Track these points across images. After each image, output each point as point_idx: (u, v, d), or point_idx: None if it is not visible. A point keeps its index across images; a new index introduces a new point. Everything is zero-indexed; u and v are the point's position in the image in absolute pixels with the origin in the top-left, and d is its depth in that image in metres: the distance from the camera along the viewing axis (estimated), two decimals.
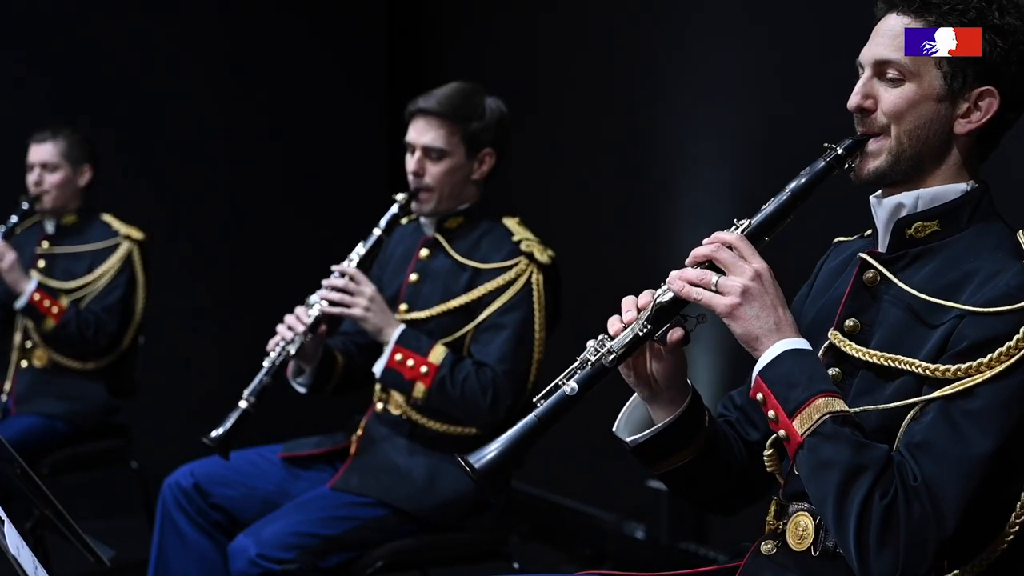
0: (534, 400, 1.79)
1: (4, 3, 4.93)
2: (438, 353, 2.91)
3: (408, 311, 3.05)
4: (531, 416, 1.76)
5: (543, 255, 2.98)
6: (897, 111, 1.79)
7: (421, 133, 2.99)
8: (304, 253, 5.27)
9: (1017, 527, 1.71)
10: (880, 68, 1.81)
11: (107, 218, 4.19)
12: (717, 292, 1.75)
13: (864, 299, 1.84)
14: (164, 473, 3.13)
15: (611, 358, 1.77)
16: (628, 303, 1.83)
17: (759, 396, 1.76)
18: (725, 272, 1.76)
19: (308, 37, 5.54)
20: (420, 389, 2.91)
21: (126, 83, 5.12)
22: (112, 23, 5.11)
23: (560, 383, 1.78)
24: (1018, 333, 1.65)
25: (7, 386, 4.10)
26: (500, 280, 2.96)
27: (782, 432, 1.72)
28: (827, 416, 1.68)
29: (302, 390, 3.11)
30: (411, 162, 3.00)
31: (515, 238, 3.01)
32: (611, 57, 4.58)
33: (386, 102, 5.61)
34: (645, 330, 1.78)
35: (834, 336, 1.84)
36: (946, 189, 1.81)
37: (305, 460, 3.14)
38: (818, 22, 3.70)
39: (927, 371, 1.70)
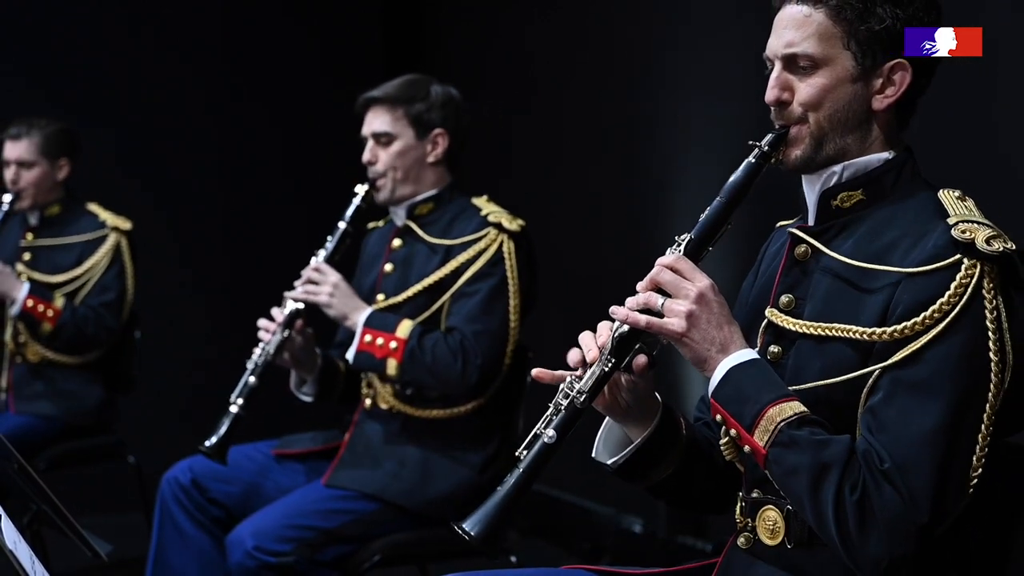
0: (516, 454, 1.80)
1: None
2: (405, 327, 2.94)
3: (385, 299, 3.07)
4: (517, 471, 1.78)
5: (512, 224, 3.00)
6: (813, 101, 1.80)
7: (369, 123, 3.06)
8: (302, 249, 5.25)
9: (972, 487, 1.67)
10: (790, 60, 1.82)
11: (93, 208, 4.09)
12: (664, 316, 1.76)
13: (796, 274, 1.86)
14: (162, 469, 3.14)
15: (582, 399, 1.79)
16: (587, 340, 1.84)
17: (718, 417, 1.79)
18: (670, 295, 1.77)
19: (306, 31, 5.54)
20: (392, 365, 2.92)
21: (120, 77, 5.12)
22: (105, 12, 5.10)
23: (539, 432, 1.79)
24: (949, 289, 1.65)
25: (3, 383, 4.04)
26: (471, 251, 2.98)
27: (747, 448, 1.75)
28: (781, 424, 1.70)
29: (308, 399, 3.13)
30: (365, 153, 3.06)
31: (483, 212, 3.04)
32: (610, 54, 4.58)
33: None
34: (610, 365, 1.79)
35: (771, 313, 1.86)
36: (869, 159, 1.83)
37: (300, 455, 3.15)
38: None
39: (864, 335, 1.71)
